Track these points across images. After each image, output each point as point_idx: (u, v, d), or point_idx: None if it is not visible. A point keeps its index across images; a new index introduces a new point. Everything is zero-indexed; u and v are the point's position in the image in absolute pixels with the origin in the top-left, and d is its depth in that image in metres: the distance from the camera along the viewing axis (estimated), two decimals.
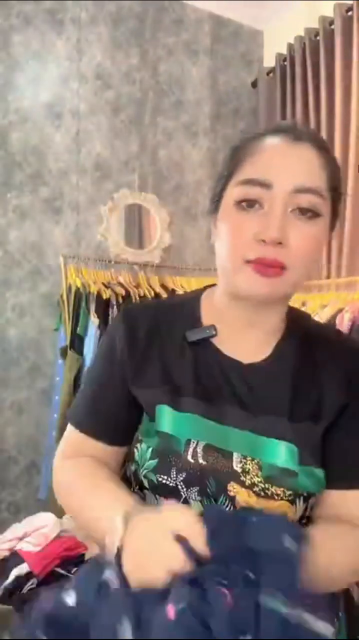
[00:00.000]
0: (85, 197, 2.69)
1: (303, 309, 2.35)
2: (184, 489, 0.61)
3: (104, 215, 2.71)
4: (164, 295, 2.56)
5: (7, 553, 1.90)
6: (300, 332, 0.70)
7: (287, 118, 2.90)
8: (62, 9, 2.62)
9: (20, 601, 1.70)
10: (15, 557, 1.87)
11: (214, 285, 0.73)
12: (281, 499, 0.60)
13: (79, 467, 0.69)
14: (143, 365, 0.69)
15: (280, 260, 0.59)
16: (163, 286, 2.66)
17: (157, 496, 0.64)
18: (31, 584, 1.77)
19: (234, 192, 0.63)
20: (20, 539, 1.94)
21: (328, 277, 2.55)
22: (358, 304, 2.06)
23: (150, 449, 0.64)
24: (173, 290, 2.63)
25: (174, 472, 0.62)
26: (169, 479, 0.62)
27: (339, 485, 0.65)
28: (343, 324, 1.99)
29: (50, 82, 2.60)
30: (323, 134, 2.57)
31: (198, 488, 0.61)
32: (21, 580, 1.78)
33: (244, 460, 0.61)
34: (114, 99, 2.77)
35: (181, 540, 0.49)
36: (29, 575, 1.79)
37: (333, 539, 0.60)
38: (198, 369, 0.67)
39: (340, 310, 2.08)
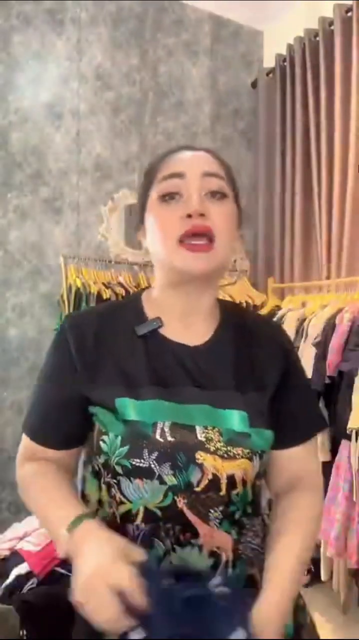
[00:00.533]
0: (86, 197, 2.69)
1: (302, 309, 2.36)
2: (157, 467, 0.67)
3: (104, 215, 2.72)
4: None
5: (7, 552, 1.90)
6: (233, 318, 0.81)
7: (287, 118, 2.90)
8: (62, 9, 2.62)
9: (20, 601, 1.71)
10: (15, 557, 1.87)
11: (149, 287, 0.82)
12: (241, 457, 0.70)
13: (33, 473, 0.79)
14: (96, 367, 0.74)
15: (207, 225, 0.69)
16: None
17: (131, 479, 0.68)
18: (31, 583, 1.77)
19: (155, 192, 0.73)
20: (21, 538, 1.94)
21: (328, 277, 2.55)
22: (358, 304, 2.06)
23: (119, 438, 0.69)
24: None
25: (147, 453, 0.67)
26: (142, 461, 0.67)
27: (290, 444, 0.78)
28: (343, 324, 1.99)
29: (50, 83, 2.60)
30: (323, 134, 2.58)
31: (170, 463, 0.67)
32: (21, 579, 1.78)
33: (206, 431, 0.70)
34: (114, 99, 2.78)
35: (121, 596, 0.55)
36: (29, 575, 1.79)
37: (296, 524, 0.73)
38: (151, 359, 0.74)
39: (340, 310, 2.09)
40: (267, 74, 3.12)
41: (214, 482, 0.68)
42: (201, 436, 0.69)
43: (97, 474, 0.74)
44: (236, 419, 0.71)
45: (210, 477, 0.68)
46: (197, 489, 0.68)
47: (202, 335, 0.77)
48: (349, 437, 1.85)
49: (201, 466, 0.68)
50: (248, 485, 0.72)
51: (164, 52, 2.93)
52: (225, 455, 0.69)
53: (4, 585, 1.78)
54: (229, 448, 0.70)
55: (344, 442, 1.91)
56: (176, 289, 0.75)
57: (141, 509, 0.68)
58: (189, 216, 0.69)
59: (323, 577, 2.09)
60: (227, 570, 0.69)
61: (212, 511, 0.69)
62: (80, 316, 0.82)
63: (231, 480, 0.69)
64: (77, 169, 2.67)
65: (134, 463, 0.68)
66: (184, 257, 0.69)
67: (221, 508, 0.69)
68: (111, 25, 2.76)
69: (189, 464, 0.68)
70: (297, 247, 2.80)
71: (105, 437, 0.71)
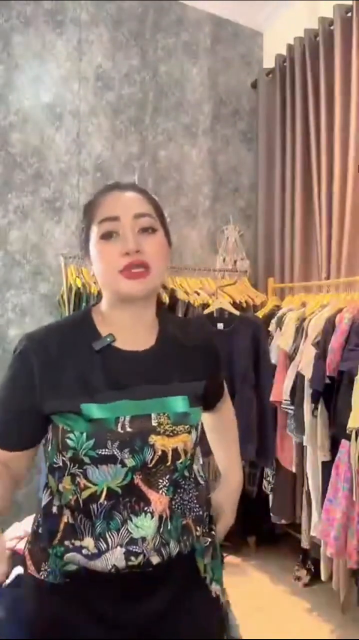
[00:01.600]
0: (86, 197, 2.69)
1: (302, 309, 2.36)
2: (119, 453, 0.82)
3: None
4: (164, 295, 2.57)
5: (7, 552, 1.90)
6: (171, 325, 0.96)
7: (287, 118, 2.90)
8: (63, 9, 2.63)
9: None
10: (15, 557, 1.87)
11: (95, 305, 0.96)
12: (183, 432, 0.87)
13: None
14: (59, 382, 0.85)
15: (142, 259, 0.84)
16: (163, 286, 2.66)
17: (98, 466, 0.83)
18: None
19: (95, 232, 0.86)
20: (21, 538, 1.94)
21: (328, 277, 2.55)
22: (358, 304, 2.06)
23: (84, 434, 0.82)
24: (173, 290, 2.63)
25: (110, 444, 0.82)
26: (107, 450, 0.82)
27: (214, 408, 1.10)
28: (343, 324, 1.99)
29: (50, 83, 2.61)
30: (323, 134, 2.58)
31: (129, 448, 0.82)
32: (22, 579, 1.78)
33: (159, 417, 0.86)
34: (115, 100, 2.78)
35: None
36: None
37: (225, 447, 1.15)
38: (109, 368, 0.87)
39: (340, 310, 2.09)
40: (267, 74, 3.12)
41: (163, 457, 0.85)
42: (154, 422, 0.85)
43: (57, 469, 0.88)
44: (179, 403, 0.88)
45: (159, 453, 0.84)
46: (150, 465, 0.84)
47: (148, 342, 0.92)
48: (349, 437, 1.85)
49: (152, 446, 0.84)
50: (189, 454, 0.89)
51: (164, 52, 2.93)
52: (171, 434, 0.86)
53: (4, 585, 1.77)
54: (174, 427, 0.86)
55: (344, 442, 1.92)
56: (123, 307, 0.90)
57: (105, 490, 0.83)
58: (127, 253, 0.83)
59: (323, 577, 2.09)
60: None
61: (161, 481, 0.85)
62: (42, 336, 0.90)
63: (175, 452, 0.86)
64: (78, 170, 2.68)
65: (100, 452, 0.82)
66: (125, 284, 0.84)
67: (167, 477, 0.86)
68: (111, 25, 2.76)
69: (144, 446, 0.83)
70: (297, 247, 2.80)
71: (71, 435, 0.83)
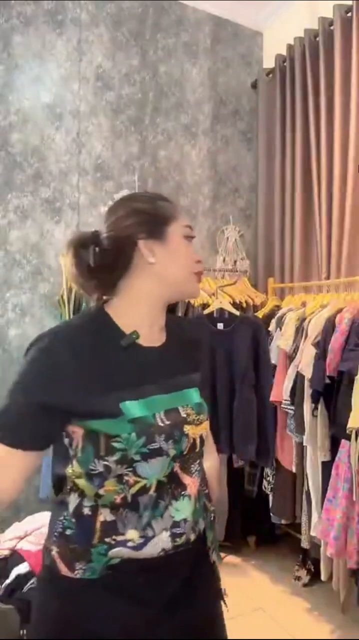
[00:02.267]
0: (86, 197, 2.69)
1: (302, 309, 2.36)
2: (165, 445, 0.87)
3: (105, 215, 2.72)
4: None
5: (7, 552, 1.90)
6: (171, 323, 1.02)
7: (286, 118, 2.91)
8: (63, 9, 2.63)
9: (20, 600, 1.71)
10: (15, 556, 1.87)
11: (104, 303, 0.95)
12: (204, 421, 0.96)
13: None
14: (92, 380, 0.85)
15: None
16: None
17: (148, 460, 0.85)
18: (31, 583, 1.77)
19: (179, 231, 0.95)
20: (21, 538, 1.95)
21: (328, 277, 2.55)
22: (358, 304, 2.06)
23: (133, 434, 0.84)
24: None
25: (157, 437, 0.86)
26: (155, 444, 0.86)
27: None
28: (343, 324, 1.99)
29: (50, 83, 2.61)
30: (323, 134, 2.58)
31: (172, 440, 0.88)
32: (21, 579, 1.78)
33: (184, 408, 0.93)
34: (115, 100, 2.78)
35: None
36: (29, 575, 1.79)
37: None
38: (136, 366, 0.91)
39: (340, 310, 2.09)
40: (267, 75, 3.12)
41: (194, 444, 0.92)
42: (183, 414, 0.92)
43: (97, 475, 0.86)
44: (194, 395, 0.97)
45: (191, 441, 0.92)
46: (185, 453, 0.91)
47: (160, 338, 0.97)
48: (349, 437, 1.85)
49: (187, 435, 0.91)
50: (205, 440, 0.99)
51: (164, 52, 2.93)
52: (197, 422, 0.94)
53: (4, 584, 1.78)
54: (198, 416, 0.95)
55: (344, 442, 1.92)
56: (153, 305, 0.95)
57: (154, 482, 0.87)
58: (199, 261, 0.98)
59: (323, 577, 2.09)
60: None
61: (192, 466, 0.93)
62: (68, 334, 0.89)
63: (201, 439, 0.95)
64: (78, 170, 2.68)
65: (151, 448, 0.85)
66: (194, 285, 0.98)
67: (197, 462, 0.95)
68: (111, 25, 2.76)
69: (182, 436, 0.90)
70: (297, 247, 2.80)
71: (118, 438, 0.84)
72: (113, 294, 0.94)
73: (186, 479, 0.92)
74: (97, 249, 0.89)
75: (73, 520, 0.89)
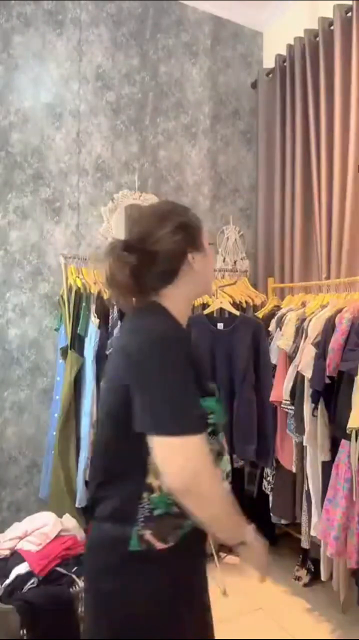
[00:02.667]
0: (86, 197, 2.69)
1: (302, 309, 2.36)
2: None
3: (105, 215, 2.72)
4: None
5: (7, 552, 1.90)
6: None
7: (286, 118, 2.91)
8: (63, 10, 2.63)
9: (20, 600, 1.71)
10: (15, 557, 1.88)
11: (154, 304, 1.03)
12: None
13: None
14: (197, 364, 1.02)
15: None
16: None
17: (219, 432, 1.02)
18: (31, 583, 1.77)
19: (207, 238, 1.09)
20: (21, 538, 1.95)
21: (328, 277, 2.55)
22: (358, 304, 2.06)
23: (219, 409, 1.04)
24: None
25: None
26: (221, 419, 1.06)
27: None
28: (343, 324, 1.99)
29: (50, 83, 2.61)
30: (323, 134, 2.58)
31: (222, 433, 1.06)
32: (21, 579, 1.78)
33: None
34: (115, 100, 2.78)
35: None
36: (29, 575, 1.79)
37: None
38: (201, 353, 1.16)
39: (340, 310, 2.09)
40: (267, 75, 3.12)
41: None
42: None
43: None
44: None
45: None
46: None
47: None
48: (349, 437, 1.85)
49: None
50: None
51: (164, 52, 2.93)
52: None
53: (4, 584, 1.78)
54: None
55: (344, 442, 1.91)
56: (192, 303, 1.17)
57: (218, 449, 1.02)
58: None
59: (323, 577, 2.09)
60: None
61: (222, 432, 1.05)
62: (179, 329, 1.02)
63: None
64: (78, 170, 2.68)
65: (220, 422, 1.05)
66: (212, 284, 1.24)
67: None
68: (111, 25, 2.76)
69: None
70: (297, 247, 2.80)
71: (212, 415, 1.00)
72: (155, 297, 1.02)
73: (224, 443, 1.06)
74: (146, 257, 0.99)
75: (162, 499, 0.94)
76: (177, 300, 1.04)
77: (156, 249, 0.99)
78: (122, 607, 0.95)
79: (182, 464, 0.86)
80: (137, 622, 0.94)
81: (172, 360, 0.91)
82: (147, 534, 0.94)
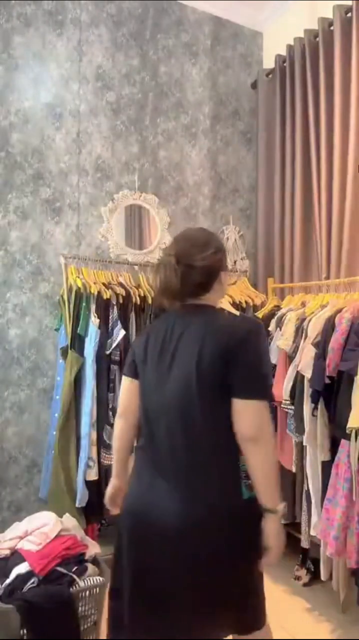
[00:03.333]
0: (86, 197, 2.70)
1: (302, 309, 2.36)
2: None
3: (105, 215, 2.72)
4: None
5: (7, 552, 1.90)
6: None
7: (286, 118, 2.91)
8: (63, 10, 2.63)
9: (20, 600, 1.71)
10: (16, 556, 1.88)
11: (209, 306, 1.35)
12: None
13: None
14: None
15: None
16: None
17: None
18: (32, 582, 1.77)
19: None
20: (21, 537, 1.95)
21: (328, 277, 2.56)
22: (358, 304, 2.06)
23: None
24: None
25: None
26: None
27: None
28: (343, 324, 1.99)
29: (50, 83, 2.61)
30: (323, 134, 2.59)
31: None
32: (22, 579, 1.78)
33: None
34: (115, 100, 2.79)
35: None
36: (29, 574, 1.79)
37: None
38: None
39: (340, 310, 2.09)
40: (267, 75, 3.12)
41: None
42: None
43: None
44: None
45: None
46: None
47: None
48: (348, 437, 1.85)
49: None
50: None
51: (164, 53, 2.94)
52: None
53: (4, 584, 1.78)
54: None
55: (343, 442, 1.92)
56: None
57: None
58: None
59: (323, 576, 2.09)
60: None
61: None
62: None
63: None
64: (78, 170, 2.68)
65: None
66: None
67: None
68: (111, 26, 2.77)
69: None
70: (297, 247, 2.81)
71: None
72: (197, 301, 1.32)
73: None
74: (192, 270, 1.28)
75: (242, 458, 1.21)
76: (212, 304, 1.36)
77: (200, 264, 1.28)
78: (254, 536, 1.23)
79: (268, 420, 1.22)
80: (258, 553, 1.24)
81: (264, 345, 1.31)
82: (249, 484, 1.23)
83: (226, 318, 1.32)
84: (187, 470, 1.21)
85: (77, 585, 1.83)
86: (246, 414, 1.18)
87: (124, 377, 1.45)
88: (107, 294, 2.36)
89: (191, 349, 1.23)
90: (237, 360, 1.19)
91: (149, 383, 1.32)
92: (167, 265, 1.27)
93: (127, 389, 1.43)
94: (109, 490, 1.50)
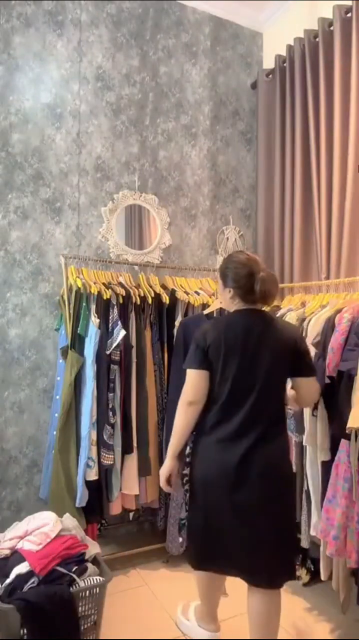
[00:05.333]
0: (86, 198, 2.70)
1: (302, 309, 2.36)
2: None
3: (105, 216, 2.72)
4: (164, 295, 2.57)
5: (8, 552, 1.91)
6: None
7: (286, 119, 2.91)
8: (63, 10, 2.63)
9: (20, 600, 1.71)
10: (16, 556, 1.88)
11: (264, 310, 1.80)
12: None
13: None
14: None
15: None
16: (163, 286, 2.67)
17: None
18: (32, 582, 1.77)
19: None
20: (21, 537, 1.95)
21: (328, 277, 2.56)
22: (358, 304, 2.06)
23: None
24: (173, 290, 2.64)
25: None
26: None
27: None
28: (342, 324, 1.99)
29: (51, 84, 2.61)
30: (322, 135, 2.59)
31: None
32: (22, 578, 1.78)
33: None
34: (115, 101, 2.79)
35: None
36: (29, 574, 1.79)
37: None
38: None
39: (339, 310, 2.09)
40: (267, 75, 3.13)
41: None
42: None
43: None
44: None
45: None
46: None
47: None
48: (348, 437, 1.86)
49: None
50: None
51: (164, 53, 2.94)
52: None
53: (4, 584, 1.78)
54: None
55: (343, 442, 1.92)
56: None
57: None
58: None
59: (323, 576, 2.09)
60: None
61: None
62: None
63: None
64: (78, 170, 2.68)
65: None
66: None
67: None
68: (111, 26, 2.77)
69: None
70: (297, 247, 2.81)
71: None
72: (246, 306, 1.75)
73: None
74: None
75: None
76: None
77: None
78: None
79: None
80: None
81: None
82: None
83: (280, 320, 1.87)
84: (269, 430, 1.67)
85: (77, 585, 1.83)
86: (315, 387, 1.82)
87: (194, 371, 1.69)
88: (107, 294, 2.36)
89: (271, 342, 1.68)
90: (301, 351, 1.73)
91: (239, 369, 1.65)
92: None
93: (200, 379, 1.69)
94: (166, 472, 1.77)
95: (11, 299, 2.52)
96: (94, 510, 2.30)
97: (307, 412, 2.09)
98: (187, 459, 1.75)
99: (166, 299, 2.57)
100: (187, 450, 1.75)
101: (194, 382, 1.69)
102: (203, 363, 1.68)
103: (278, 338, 1.69)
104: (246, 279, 1.67)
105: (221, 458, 1.65)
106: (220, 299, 1.92)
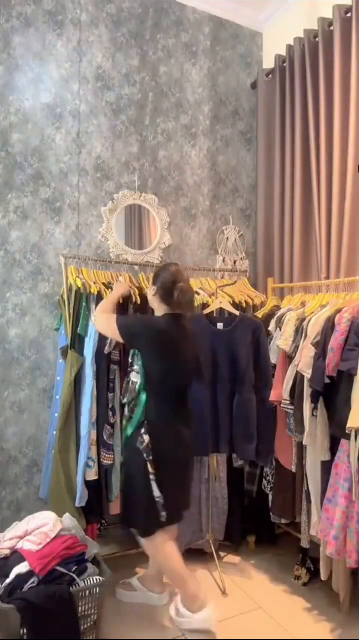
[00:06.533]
0: (86, 198, 2.70)
1: (302, 309, 2.36)
2: None
3: (105, 216, 2.72)
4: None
5: (8, 552, 1.91)
6: None
7: (286, 119, 2.91)
8: (63, 10, 2.63)
9: (20, 600, 1.71)
10: (16, 556, 1.88)
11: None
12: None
13: None
14: None
15: None
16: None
17: None
18: (32, 582, 1.77)
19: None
20: (21, 537, 1.95)
21: (328, 277, 2.56)
22: (358, 304, 2.06)
23: None
24: None
25: None
26: None
27: None
28: (342, 324, 1.99)
29: (51, 84, 2.61)
30: (322, 134, 2.59)
31: None
32: (22, 578, 1.78)
33: None
34: (115, 101, 2.79)
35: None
36: (29, 574, 1.79)
37: None
38: None
39: (339, 310, 2.09)
40: (267, 75, 3.13)
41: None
42: None
43: None
44: None
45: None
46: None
47: None
48: (348, 437, 1.86)
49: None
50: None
51: (164, 53, 2.94)
52: None
53: (4, 584, 1.78)
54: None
55: (343, 442, 1.92)
56: None
57: None
58: None
59: (323, 576, 2.09)
60: None
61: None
62: None
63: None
64: (78, 170, 2.68)
65: None
66: None
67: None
68: (111, 26, 2.77)
69: None
70: (297, 247, 2.81)
71: None
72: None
73: None
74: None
75: None
76: None
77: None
78: None
79: None
80: None
81: None
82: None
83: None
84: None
85: (77, 585, 1.83)
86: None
87: (116, 323, 2.01)
88: (107, 294, 2.36)
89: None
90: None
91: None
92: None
93: (114, 330, 2.03)
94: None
95: (11, 299, 2.52)
96: (94, 510, 2.30)
97: (307, 412, 2.09)
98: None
99: None
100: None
101: (110, 324, 2.02)
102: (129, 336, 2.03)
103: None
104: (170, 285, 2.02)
105: (185, 436, 2.10)
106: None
